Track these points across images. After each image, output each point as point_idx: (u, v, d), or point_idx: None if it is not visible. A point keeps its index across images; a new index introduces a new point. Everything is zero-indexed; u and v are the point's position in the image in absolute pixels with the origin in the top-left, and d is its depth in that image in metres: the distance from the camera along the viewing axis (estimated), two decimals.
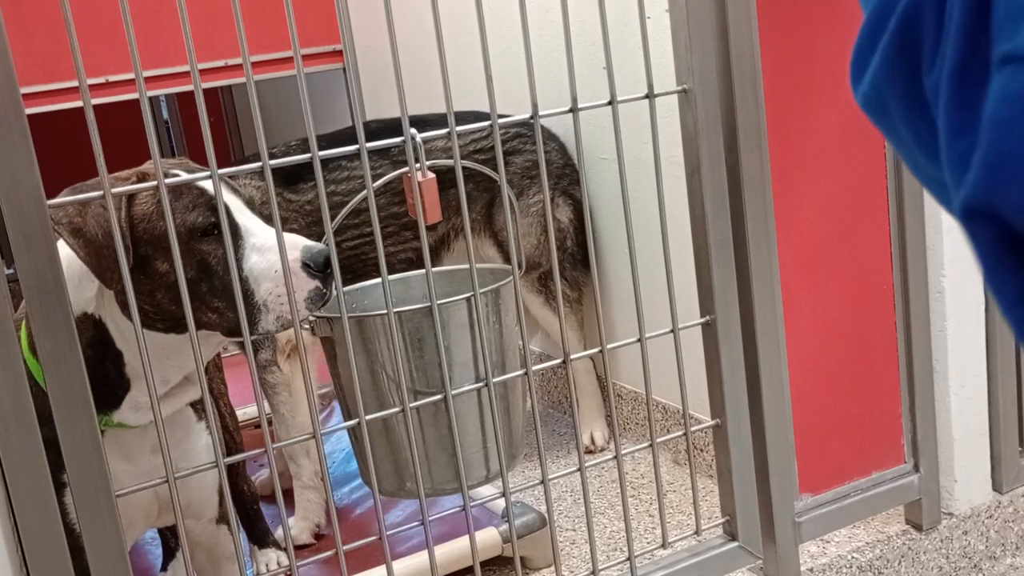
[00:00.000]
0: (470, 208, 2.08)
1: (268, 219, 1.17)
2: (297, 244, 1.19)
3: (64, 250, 1.11)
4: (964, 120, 0.40)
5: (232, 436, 1.73)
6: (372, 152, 2.00)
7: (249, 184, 1.88)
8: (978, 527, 1.73)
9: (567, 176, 2.16)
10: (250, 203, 1.26)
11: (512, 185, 2.10)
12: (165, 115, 4.57)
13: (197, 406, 1.35)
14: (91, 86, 1.01)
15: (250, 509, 1.83)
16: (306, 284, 1.17)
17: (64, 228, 1.13)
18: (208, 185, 1.16)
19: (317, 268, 1.19)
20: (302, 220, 1.96)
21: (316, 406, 1.20)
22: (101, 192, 1.04)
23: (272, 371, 1.94)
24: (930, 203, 1.59)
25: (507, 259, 2.11)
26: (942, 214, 1.58)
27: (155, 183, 1.07)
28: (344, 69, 3.06)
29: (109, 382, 1.22)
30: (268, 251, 1.19)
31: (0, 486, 1.04)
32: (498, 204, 2.11)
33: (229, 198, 1.22)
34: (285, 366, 1.95)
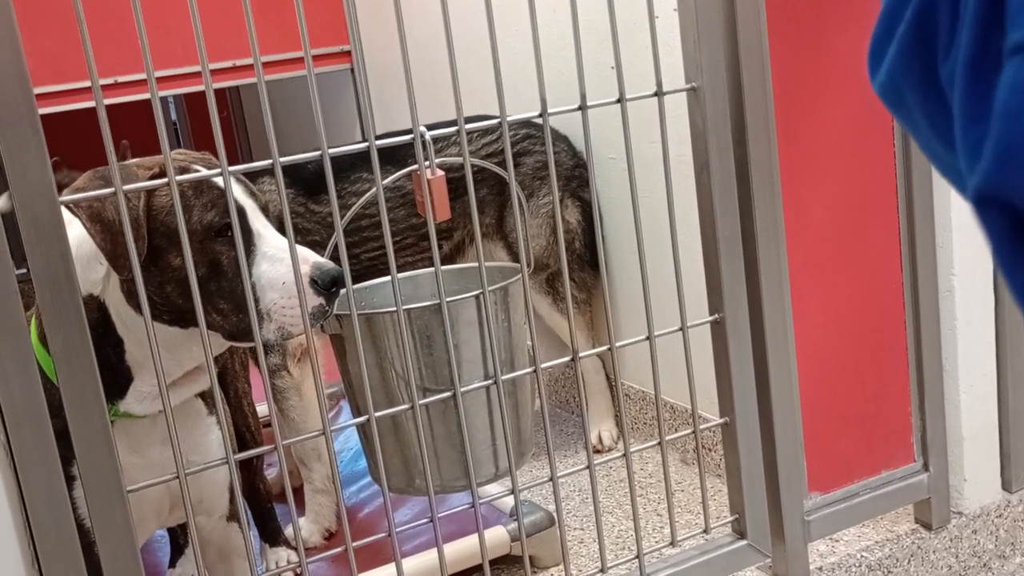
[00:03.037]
0: (483, 212, 2.10)
1: (283, 224, 1.17)
2: (308, 259, 1.19)
3: (73, 231, 1.11)
4: (978, 109, 0.41)
5: (253, 436, 1.73)
6: (388, 163, 2.03)
7: (273, 191, 1.88)
8: (987, 526, 1.73)
9: (577, 178, 2.17)
10: (265, 209, 1.27)
11: (523, 186, 2.11)
12: (173, 116, 4.59)
13: (208, 399, 1.35)
14: (101, 87, 1.02)
15: (264, 508, 1.84)
16: (311, 300, 1.18)
17: (83, 212, 1.14)
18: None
19: (324, 286, 1.19)
20: (324, 232, 1.97)
21: (326, 405, 1.21)
22: (113, 190, 1.04)
23: (282, 376, 1.93)
24: (940, 200, 1.58)
25: (517, 260, 2.11)
26: (952, 211, 1.58)
27: (172, 178, 1.07)
28: (352, 69, 3.07)
29: (111, 369, 1.22)
30: (278, 261, 1.20)
31: (12, 482, 1.05)
32: (510, 208, 2.11)
33: (245, 201, 1.23)
34: (295, 371, 1.95)
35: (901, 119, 0.46)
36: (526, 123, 2.13)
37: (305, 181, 1.97)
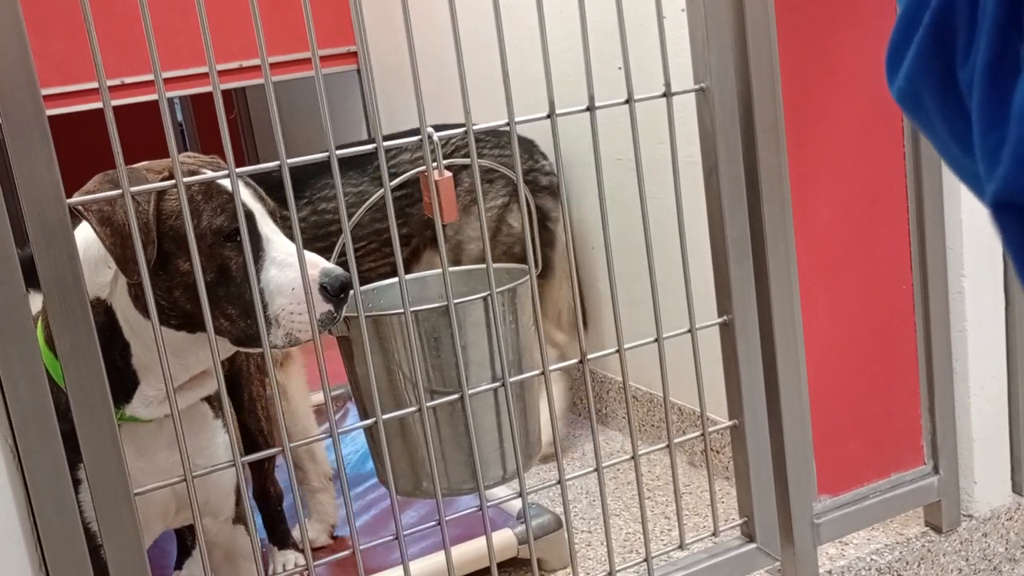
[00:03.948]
0: (428, 221, 2.12)
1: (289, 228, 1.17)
2: (317, 264, 1.19)
3: (81, 234, 1.11)
4: (997, 113, 0.40)
5: (265, 439, 1.73)
6: (350, 168, 2.04)
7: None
8: (998, 529, 1.72)
9: (529, 182, 2.18)
10: (274, 213, 1.26)
11: (471, 190, 2.15)
12: (179, 117, 4.60)
13: (214, 402, 1.35)
14: (108, 88, 1.02)
15: (274, 510, 1.84)
16: (319, 306, 1.18)
17: (93, 216, 1.13)
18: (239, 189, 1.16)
19: (333, 292, 1.19)
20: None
21: (332, 408, 1.20)
22: (121, 191, 1.04)
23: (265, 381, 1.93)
24: (950, 202, 1.58)
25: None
26: (962, 213, 1.57)
27: (180, 181, 1.07)
28: (358, 71, 3.07)
29: (118, 372, 1.22)
30: (287, 266, 1.19)
31: (19, 485, 1.05)
32: (461, 218, 2.14)
33: (254, 205, 1.22)
34: (279, 375, 1.95)
35: (919, 123, 0.46)
36: (482, 130, 2.15)
37: (270, 188, 1.99)
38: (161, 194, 1.19)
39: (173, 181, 1.09)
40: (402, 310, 1.21)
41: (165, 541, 1.98)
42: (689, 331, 1.40)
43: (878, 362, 1.60)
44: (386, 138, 2.08)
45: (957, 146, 0.43)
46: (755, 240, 1.41)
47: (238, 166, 1.11)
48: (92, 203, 1.13)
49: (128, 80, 2.73)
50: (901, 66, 0.44)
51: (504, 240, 2.17)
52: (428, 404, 1.24)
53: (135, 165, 1.21)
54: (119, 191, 1.05)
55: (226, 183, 1.20)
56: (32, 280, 1.01)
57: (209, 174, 1.17)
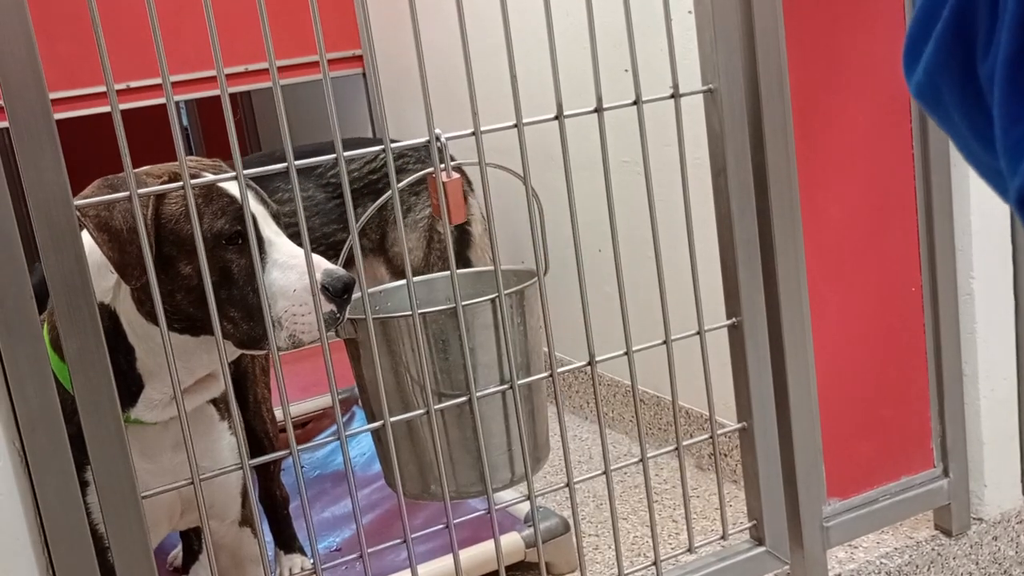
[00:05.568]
0: (365, 232, 2.18)
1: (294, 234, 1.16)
2: (320, 266, 1.19)
3: (85, 237, 1.11)
4: (1019, 108, 0.40)
5: (271, 441, 1.72)
6: (298, 175, 2.08)
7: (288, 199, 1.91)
8: (1008, 532, 1.71)
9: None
10: (277, 216, 1.26)
11: (400, 202, 2.18)
12: (185, 121, 4.61)
13: (220, 405, 1.34)
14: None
15: (280, 514, 1.83)
16: (322, 307, 1.17)
17: (90, 221, 1.13)
18: (238, 192, 1.16)
19: (335, 292, 1.19)
20: None
21: (339, 410, 1.20)
22: (127, 193, 1.04)
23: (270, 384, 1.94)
24: (959, 203, 1.57)
25: (398, 276, 2.22)
26: (971, 214, 1.56)
27: (183, 184, 1.07)
28: (364, 74, 3.07)
29: (122, 376, 1.22)
30: (289, 269, 1.19)
31: (27, 486, 1.04)
32: (391, 225, 2.20)
33: (257, 208, 1.22)
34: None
35: (938, 119, 0.45)
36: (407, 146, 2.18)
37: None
38: (160, 198, 1.18)
39: (177, 184, 1.08)
40: (410, 312, 1.21)
41: (171, 547, 1.97)
42: (698, 333, 1.39)
43: (887, 364, 1.59)
44: (255, 156, 2.11)
45: (977, 142, 0.43)
46: (764, 242, 1.41)
47: (243, 168, 1.10)
48: (90, 209, 1.12)
49: (134, 84, 2.74)
50: (919, 60, 0.43)
51: (437, 247, 2.26)
52: (436, 407, 1.23)
53: (136, 170, 1.21)
54: (124, 193, 1.05)
55: (227, 186, 1.20)
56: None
57: (213, 177, 1.17)
